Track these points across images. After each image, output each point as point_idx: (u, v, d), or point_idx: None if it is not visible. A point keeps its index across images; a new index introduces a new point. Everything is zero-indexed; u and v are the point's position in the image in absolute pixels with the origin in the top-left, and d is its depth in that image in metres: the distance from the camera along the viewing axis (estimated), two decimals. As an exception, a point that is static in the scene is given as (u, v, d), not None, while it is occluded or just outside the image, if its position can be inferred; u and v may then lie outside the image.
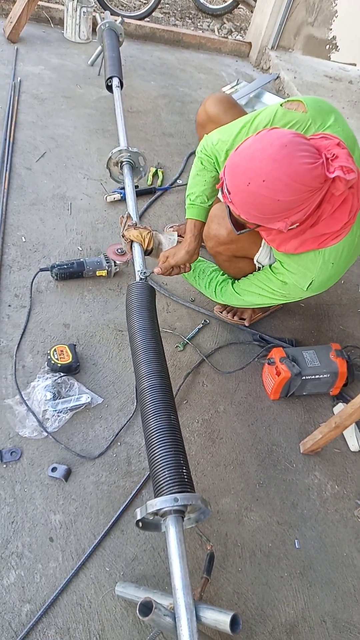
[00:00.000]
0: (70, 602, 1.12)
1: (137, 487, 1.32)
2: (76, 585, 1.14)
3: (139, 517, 1.01)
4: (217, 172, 1.50)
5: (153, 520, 1.07)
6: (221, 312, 1.84)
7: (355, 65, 4.10)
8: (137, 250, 1.61)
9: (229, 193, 1.12)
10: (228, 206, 1.20)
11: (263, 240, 1.49)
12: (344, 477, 1.49)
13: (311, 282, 1.33)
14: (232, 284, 1.59)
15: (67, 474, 1.30)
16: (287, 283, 1.38)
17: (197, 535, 1.28)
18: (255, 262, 1.55)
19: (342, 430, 1.38)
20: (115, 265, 1.83)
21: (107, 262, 1.82)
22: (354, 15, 3.81)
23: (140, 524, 1.04)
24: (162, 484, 1.02)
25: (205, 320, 1.82)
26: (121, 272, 1.89)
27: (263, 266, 1.56)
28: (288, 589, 1.24)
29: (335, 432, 1.38)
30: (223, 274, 1.65)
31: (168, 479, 1.02)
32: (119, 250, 1.85)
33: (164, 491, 1.00)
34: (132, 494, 1.30)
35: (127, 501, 1.29)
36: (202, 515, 1.09)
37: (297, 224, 1.17)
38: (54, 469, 1.29)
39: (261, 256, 1.52)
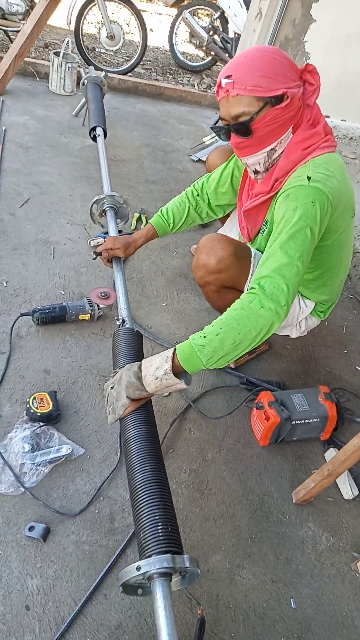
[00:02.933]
0: None
1: (122, 547, 1.23)
2: (54, 662, 1.04)
3: (122, 582, 0.93)
4: (194, 208, 1.67)
5: (138, 583, 0.99)
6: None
7: (328, 117, 4.31)
8: (121, 294, 1.59)
9: (229, 77, 1.20)
10: (226, 127, 1.28)
11: (251, 269, 1.50)
12: (338, 528, 1.43)
13: (307, 177, 1.22)
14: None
15: (46, 534, 1.21)
16: (289, 194, 1.23)
17: (187, 598, 1.19)
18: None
19: (335, 478, 1.33)
20: (98, 309, 1.80)
21: (90, 306, 1.79)
22: (324, 72, 4.03)
23: (124, 588, 0.97)
24: (147, 544, 0.95)
25: (190, 364, 1.78)
26: (105, 315, 1.85)
27: None
28: (286, 657, 1.15)
29: (328, 480, 1.32)
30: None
31: (154, 538, 0.95)
32: (103, 294, 1.82)
33: (149, 552, 0.93)
34: (115, 554, 1.21)
35: (110, 562, 1.19)
36: (192, 576, 1.01)
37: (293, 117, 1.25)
38: (31, 528, 1.20)
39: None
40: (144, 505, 1.01)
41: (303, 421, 1.51)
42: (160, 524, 0.98)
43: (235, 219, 1.79)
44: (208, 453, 1.52)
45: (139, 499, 1.02)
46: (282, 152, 1.31)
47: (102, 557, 1.21)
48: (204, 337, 1.08)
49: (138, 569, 0.91)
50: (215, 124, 1.39)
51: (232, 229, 1.81)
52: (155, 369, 1.11)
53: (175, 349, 1.11)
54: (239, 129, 1.25)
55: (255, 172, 1.38)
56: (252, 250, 1.54)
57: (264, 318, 1.09)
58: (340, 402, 1.60)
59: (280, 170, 1.32)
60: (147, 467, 1.07)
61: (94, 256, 1.69)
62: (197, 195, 1.66)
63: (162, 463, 1.11)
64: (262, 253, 1.48)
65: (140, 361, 1.18)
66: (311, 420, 1.52)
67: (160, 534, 0.96)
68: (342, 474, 1.46)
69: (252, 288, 1.14)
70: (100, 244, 2.10)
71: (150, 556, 0.92)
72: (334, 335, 2.12)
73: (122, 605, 1.14)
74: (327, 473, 1.30)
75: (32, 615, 1.09)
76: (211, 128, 1.36)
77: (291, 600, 1.24)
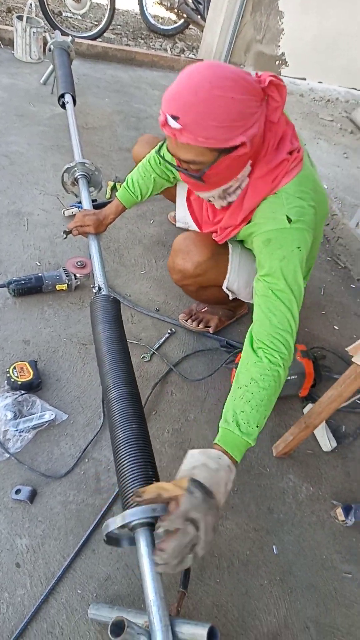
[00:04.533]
0: (40, 631, 1.05)
1: (108, 504, 1.27)
2: (46, 612, 1.07)
3: (106, 532, 0.97)
4: (159, 175, 1.60)
5: (123, 534, 1.02)
6: (186, 321, 1.82)
7: (305, 79, 4.26)
8: (97, 262, 1.59)
9: (177, 118, 1.00)
10: (180, 168, 1.12)
11: (229, 266, 1.49)
12: (318, 478, 1.48)
13: (287, 216, 1.17)
14: (251, 342, 1.15)
15: (32, 496, 1.24)
16: (270, 238, 1.19)
17: (172, 549, 1.23)
18: (225, 289, 1.55)
19: (312, 430, 1.37)
20: (75, 279, 1.80)
21: (67, 276, 1.78)
22: (299, 32, 3.97)
23: (109, 540, 1.00)
24: (130, 495, 0.98)
25: (171, 330, 1.80)
26: (82, 285, 1.85)
27: (234, 292, 1.57)
28: (269, 597, 1.21)
29: (305, 432, 1.37)
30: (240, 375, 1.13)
31: (136, 490, 0.98)
32: (79, 263, 1.81)
33: (132, 503, 0.96)
34: (102, 512, 1.25)
35: (97, 519, 1.23)
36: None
37: (251, 157, 1.11)
38: (17, 491, 1.23)
39: (230, 282, 1.52)
40: (125, 461, 1.03)
41: (281, 378, 1.54)
42: (141, 476, 1.00)
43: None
44: (190, 413, 1.55)
45: (121, 456, 1.05)
46: (242, 185, 1.21)
47: (89, 515, 1.24)
48: (257, 426, 1.04)
49: (121, 519, 0.94)
50: (161, 146, 1.24)
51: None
52: (225, 485, 0.94)
53: (231, 458, 1.00)
54: (188, 175, 1.14)
55: (210, 201, 1.30)
56: (230, 246, 1.50)
57: (285, 375, 1.13)
58: (317, 359, 1.64)
59: (249, 204, 1.23)
60: (129, 425, 1.09)
61: (64, 235, 1.68)
62: (160, 163, 1.58)
63: (144, 421, 1.13)
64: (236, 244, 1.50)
65: (210, 500, 0.89)
66: (289, 377, 1.55)
67: (142, 486, 0.99)
68: (320, 426, 1.52)
69: (270, 353, 1.10)
70: (75, 214, 2.08)
71: (132, 507, 0.95)
72: (313, 297, 2.15)
73: (110, 558, 1.18)
74: (304, 426, 1.34)
75: (22, 571, 1.12)
76: (160, 157, 1.21)
77: (273, 546, 1.30)
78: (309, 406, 1.65)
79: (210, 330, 1.81)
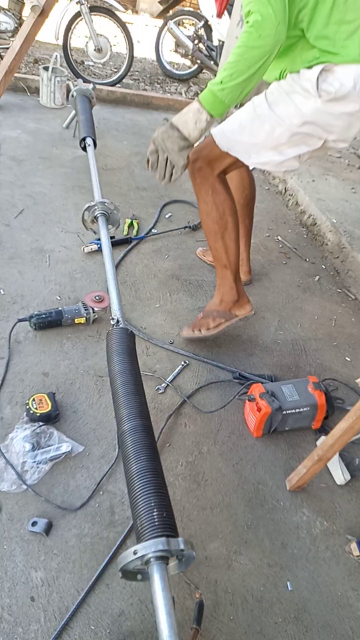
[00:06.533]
0: (53, 667, 1.05)
1: (122, 538, 1.28)
2: (59, 648, 1.08)
3: (120, 566, 0.98)
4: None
5: (137, 569, 1.03)
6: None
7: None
8: (114, 295, 1.64)
9: None
10: None
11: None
12: (332, 513, 1.47)
13: None
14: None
15: (48, 528, 1.26)
16: None
17: (186, 585, 1.23)
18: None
19: (325, 463, 1.37)
20: (93, 312, 1.86)
21: (85, 310, 1.85)
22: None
23: (123, 574, 1.01)
24: (143, 529, 1.00)
25: (184, 362, 1.84)
26: (100, 318, 1.91)
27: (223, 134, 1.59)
28: (284, 636, 1.19)
29: (318, 465, 1.37)
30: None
31: (149, 523, 1.00)
32: (97, 297, 1.88)
33: (145, 537, 0.98)
34: (116, 545, 1.26)
35: (111, 553, 1.24)
36: (188, 559, 1.06)
37: None
38: (34, 524, 1.25)
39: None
40: (139, 494, 1.05)
41: (294, 410, 1.56)
42: (155, 510, 1.02)
43: None
44: (203, 446, 1.57)
45: (135, 488, 1.07)
46: None
47: (103, 548, 1.26)
48: (221, 82, 1.27)
49: (135, 552, 0.96)
50: None
51: None
52: (194, 123, 1.34)
53: (199, 102, 1.32)
54: None
55: None
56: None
57: (266, 43, 1.23)
58: (329, 391, 1.65)
59: None
60: (142, 458, 1.12)
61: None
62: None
63: (157, 454, 1.15)
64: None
65: (170, 130, 1.38)
66: (302, 410, 1.56)
67: (155, 519, 1.00)
68: (333, 459, 1.51)
69: (246, 22, 1.24)
70: (93, 250, 2.17)
71: (146, 540, 0.97)
72: (324, 329, 2.17)
73: (123, 593, 1.19)
74: (317, 458, 1.35)
75: (37, 606, 1.13)
76: None
77: (288, 583, 1.29)
78: (322, 438, 1.64)
79: (211, 326, 1.84)
